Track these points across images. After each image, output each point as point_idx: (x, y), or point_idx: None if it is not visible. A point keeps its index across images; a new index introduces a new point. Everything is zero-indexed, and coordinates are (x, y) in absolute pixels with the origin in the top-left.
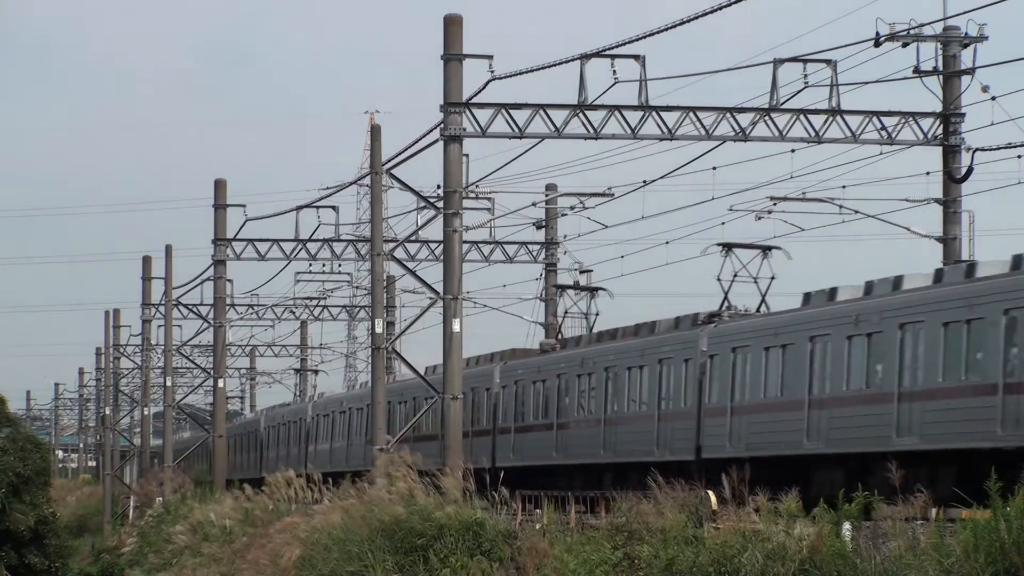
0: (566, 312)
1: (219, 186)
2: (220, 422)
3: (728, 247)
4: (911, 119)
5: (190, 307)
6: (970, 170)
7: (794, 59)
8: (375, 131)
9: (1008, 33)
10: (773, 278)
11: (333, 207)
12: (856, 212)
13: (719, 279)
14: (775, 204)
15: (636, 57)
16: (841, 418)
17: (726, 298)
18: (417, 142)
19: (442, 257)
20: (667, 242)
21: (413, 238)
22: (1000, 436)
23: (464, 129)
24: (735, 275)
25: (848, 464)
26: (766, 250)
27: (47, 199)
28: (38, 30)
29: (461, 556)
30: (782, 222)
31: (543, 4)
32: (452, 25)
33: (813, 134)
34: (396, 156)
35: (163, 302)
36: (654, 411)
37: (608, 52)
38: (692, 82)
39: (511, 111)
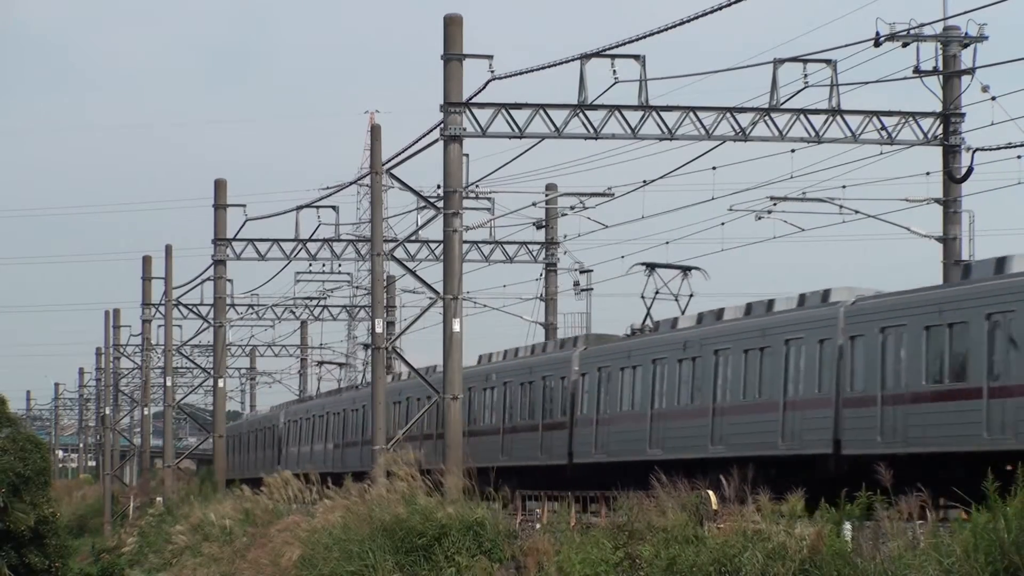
0: (656, 292)
1: (219, 186)
2: (220, 422)
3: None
4: (911, 119)
5: (190, 307)
6: (970, 170)
7: (794, 59)
8: (375, 131)
9: (1008, 33)
10: (692, 296)
11: (333, 207)
12: (856, 212)
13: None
14: (775, 204)
15: (636, 57)
16: None
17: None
18: (417, 142)
19: (442, 257)
20: (667, 242)
21: (413, 238)
22: None
23: (464, 129)
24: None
25: None
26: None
27: (47, 199)
28: (39, 30)
29: (465, 556)
30: (782, 222)
31: (543, 4)
32: (452, 25)
33: (813, 134)
34: (396, 156)
35: (163, 302)
36: (779, 399)
37: (608, 52)
38: (692, 82)
39: (511, 111)
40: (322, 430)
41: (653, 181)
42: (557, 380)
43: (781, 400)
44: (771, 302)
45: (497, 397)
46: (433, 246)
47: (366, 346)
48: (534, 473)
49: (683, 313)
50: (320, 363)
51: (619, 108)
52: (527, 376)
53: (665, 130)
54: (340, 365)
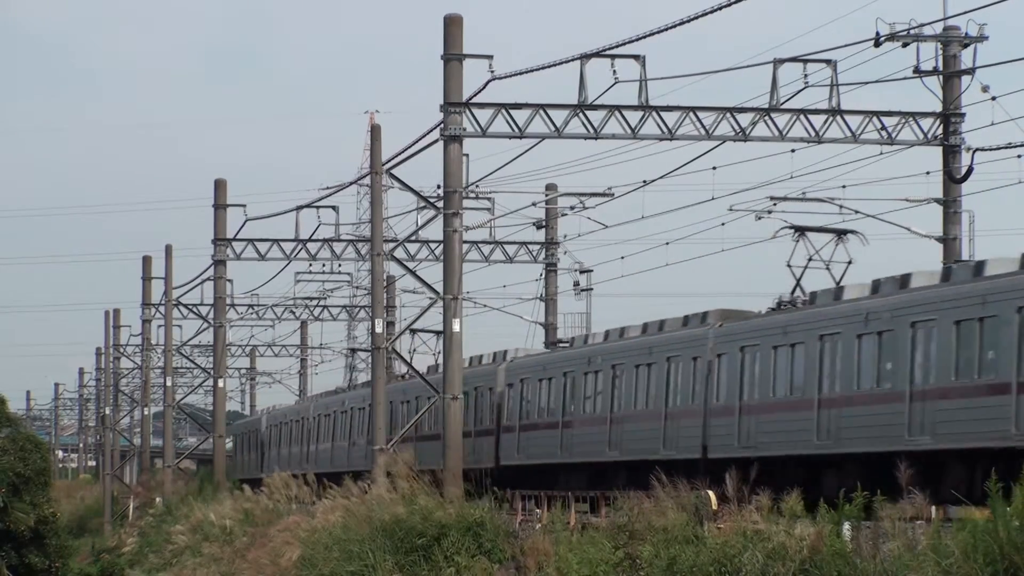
0: (809, 259)
1: (219, 186)
2: (220, 422)
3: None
4: (911, 119)
5: (190, 307)
6: (970, 170)
7: (794, 59)
8: (375, 131)
9: (1008, 33)
10: (850, 263)
11: (333, 207)
12: (856, 212)
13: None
14: (775, 204)
15: (636, 57)
16: None
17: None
18: (417, 142)
19: (442, 257)
20: (667, 242)
21: (413, 238)
22: None
23: (464, 129)
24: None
25: None
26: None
27: (47, 199)
28: (39, 30)
29: (465, 556)
30: (782, 222)
31: (543, 4)
32: (452, 25)
33: (813, 134)
34: (396, 156)
35: (163, 302)
36: (1011, 380)
37: (608, 52)
38: (692, 82)
39: (511, 111)
40: (362, 424)
41: (653, 181)
42: (688, 361)
43: (1014, 381)
44: (980, 264)
45: (603, 382)
46: (433, 246)
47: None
48: (651, 469)
49: (838, 283)
50: (352, 350)
51: (619, 108)
52: (646, 358)
53: (665, 130)
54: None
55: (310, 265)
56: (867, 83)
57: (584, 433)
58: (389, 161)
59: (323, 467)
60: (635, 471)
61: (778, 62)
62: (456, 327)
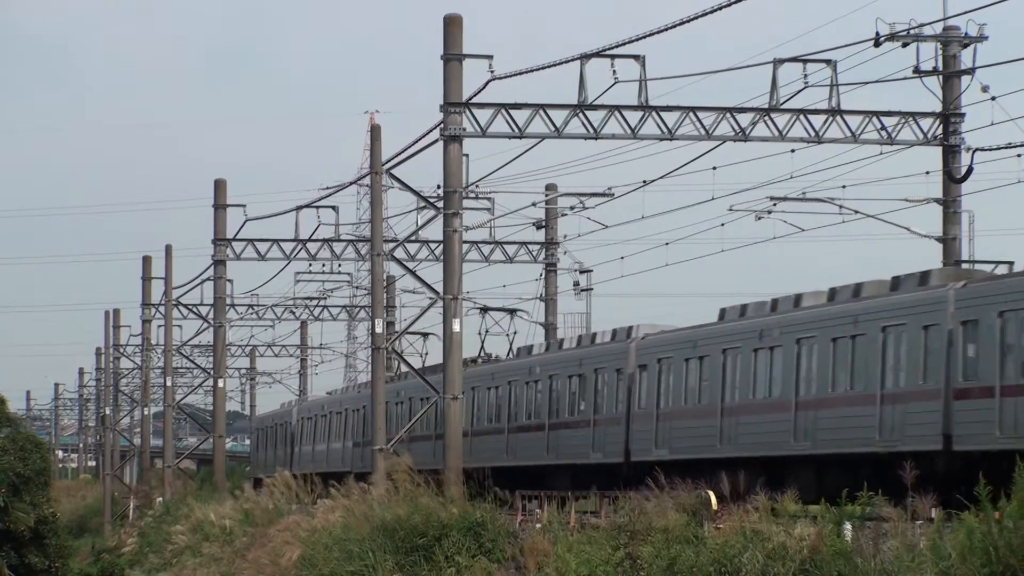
0: None
1: (219, 186)
2: (220, 422)
3: None
4: (911, 119)
5: (190, 307)
6: (970, 170)
7: (794, 59)
8: (375, 131)
9: (1008, 33)
10: None
11: (333, 207)
12: (856, 212)
13: None
14: (775, 204)
15: (636, 57)
16: None
17: None
18: (417, 142)
19: (442, 257)
20: (667, 243)
21: (413, 238)
22: None
23: (464, 129)
24: None
25: None
26: None
27: (47, 199)
28: (39, 30)
29: (465, 556)
30: (782, 222)
31: (543, 4)
32: (452, 25)
33: (813, 134)
34: (396, 156)
35: (163, 302)
36: None
37: (608, 52)
38: (692, 82)
39: (511, 111)
40: (428, 418)
41: (653, 181)
42: (915, 332)
43: None
44: None
45: (783, 360)
46: (433, 246)
47: (424, 334)
48: (860, 465)
49: None
50: (404, 334)
51: (619, 108)
52: (848, 328)
53: (665, 130)
54: (424, 335)
55: (310, 265)
56: (867, 83)
57: (755, 422)
58: (389, 161)
59: (370, 466)
60: (831, 467)
61: (778, 62)
62: (456, 327)
